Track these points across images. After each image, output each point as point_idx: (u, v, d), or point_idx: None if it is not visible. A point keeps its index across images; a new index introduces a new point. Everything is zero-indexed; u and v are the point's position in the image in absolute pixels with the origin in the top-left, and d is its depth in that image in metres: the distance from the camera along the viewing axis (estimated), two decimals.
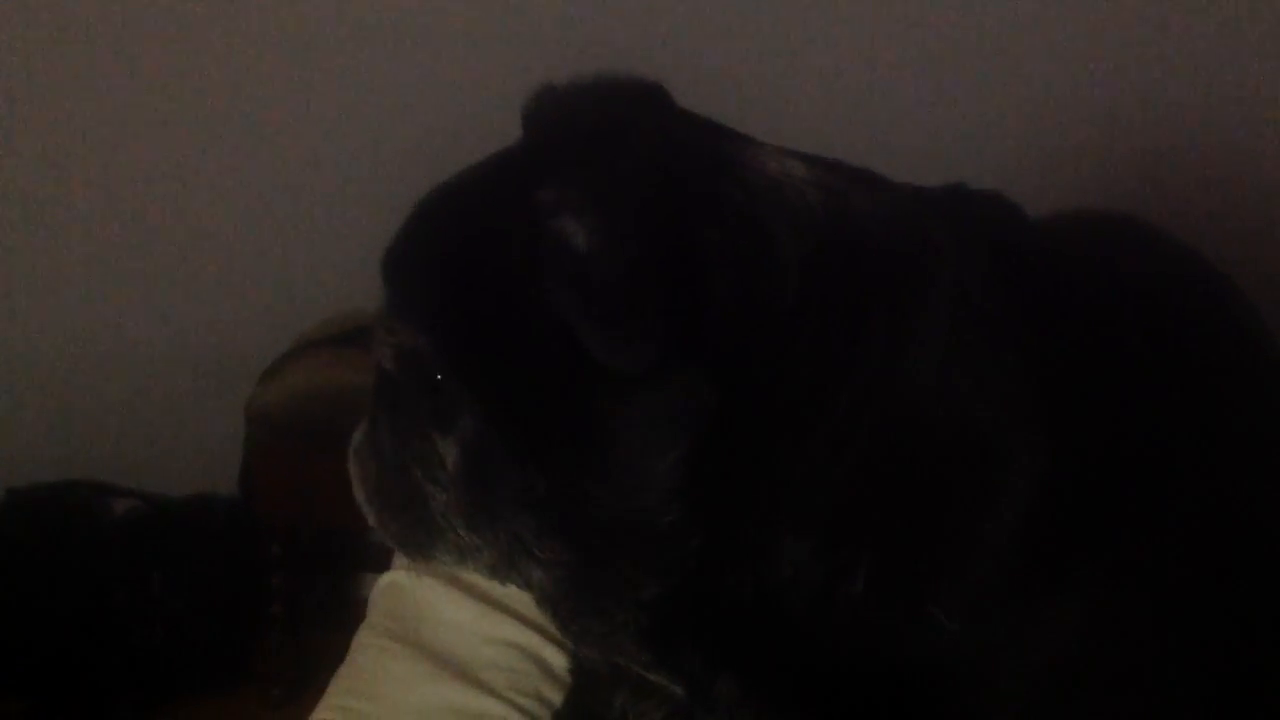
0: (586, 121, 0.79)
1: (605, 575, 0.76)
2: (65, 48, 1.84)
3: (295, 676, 1.89)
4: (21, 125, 1.90)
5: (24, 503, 1.97)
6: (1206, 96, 1.69)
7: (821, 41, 1.75)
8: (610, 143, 0.75)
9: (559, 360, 0.71)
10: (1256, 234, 1.64)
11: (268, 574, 1.89)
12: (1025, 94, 1.72)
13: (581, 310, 0.70)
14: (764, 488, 0.73)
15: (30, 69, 1.85)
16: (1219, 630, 0.82)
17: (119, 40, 1.83)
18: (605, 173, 0.72)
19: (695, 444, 0.72)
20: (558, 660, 1.05)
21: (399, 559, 1.18)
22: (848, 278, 0.74)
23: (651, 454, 0.72)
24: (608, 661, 0.86)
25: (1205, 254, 1.02)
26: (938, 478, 0.74)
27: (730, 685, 0.78)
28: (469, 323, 0.76)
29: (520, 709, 1.05)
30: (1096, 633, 0.77)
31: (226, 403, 1.85)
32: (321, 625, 1.93)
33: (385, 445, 0.83)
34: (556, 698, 1.03)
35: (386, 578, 1.19)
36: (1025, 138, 1.72)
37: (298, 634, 1.92)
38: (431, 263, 0.78)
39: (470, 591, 1.11)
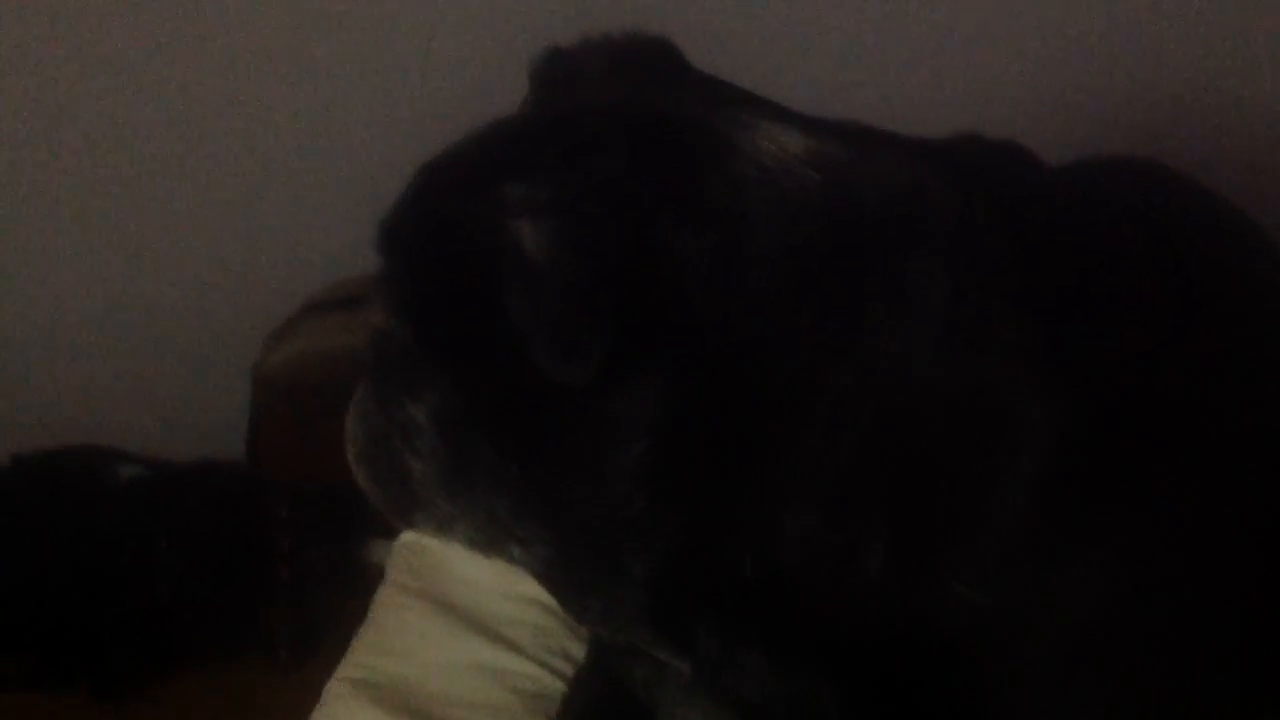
0: (583, 99, 0.80)
1: (588, 555, 0.77)
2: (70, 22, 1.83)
3: (301, 640, 1.89)
4: (24, 93, 1.89)
5: (30, 468, 1.98)
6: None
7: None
8: (594, 137, 0.74)
9: (515, 353, 0.71)
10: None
11: (274, 538, 1.89)
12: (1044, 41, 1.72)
13: (529, 318, 0.70)
14: (754, 470, 0.73)
15: (36, 40, 1.84)
16: (1252, 580, 0.81)
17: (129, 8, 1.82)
18: (577, 177, 0.71)
19: (660, 439, 0.72)
20: None
21: None
22: (842, 258, 0.74)
23: (612, 448, 0.72)
24: (616, 639, 0.86)
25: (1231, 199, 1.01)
26: (949, 447, 0.74)
27: (759, 658, 0.78)
28: (436, 300, 0.76)
29: (548, 666, 1.05)
30: (1125, 589, 0.77)
31: (234, 367, 1.84)
32: (328, 589, 1.94)
33: (372, 410, 0.83)
34: (583, 654, 1.03)
35: (406, 536, 1.19)
36: (1041, 88, 1.71)
37: (304, 598, 1.92)
38: (410, 236, 0.78)
39: None
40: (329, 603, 1.89)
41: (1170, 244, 0.88)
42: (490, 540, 0.81)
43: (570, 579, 0.80)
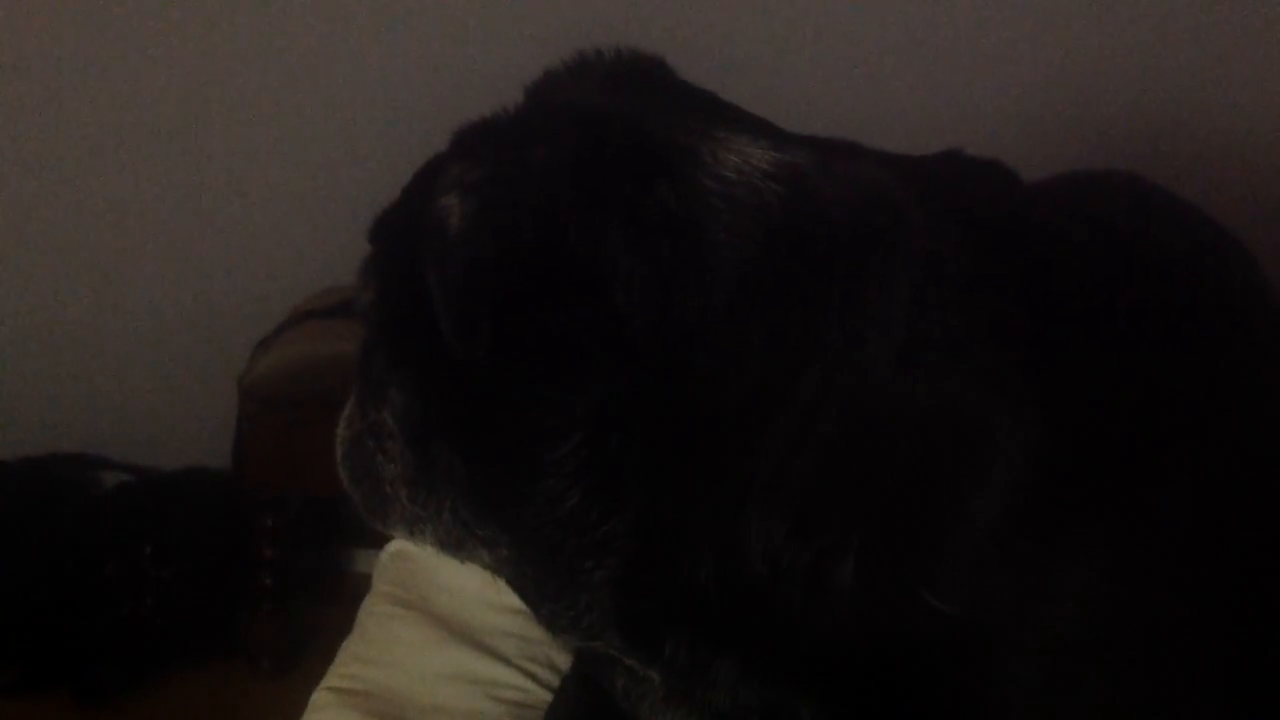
0: (549, 105, 0.80)
1: (548, 557, 0.77)
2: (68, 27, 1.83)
3: (284, 648, 1.89)
4: (16, 102, 1.89)
5: (14, 476, 1.98)
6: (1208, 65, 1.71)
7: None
8: (542, 131, 0.75)
9: (440, 337, 0.72)
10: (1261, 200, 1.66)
11: (258, 546, 1.89)
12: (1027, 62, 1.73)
13: (436, 290, 0.71)
14: (707, 480, 0.73)
15: (32, 46, 1.84)
16: (1232, 591, 0.82)
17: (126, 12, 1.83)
18: (512, 163, 0.72)
19: (591, 436, 0.72)
20: None
21: None
22: (801, 270, 0.73)
23: (543, 442, 0.73)
24: (590, 646, 0.86)
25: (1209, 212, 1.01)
26: (917, 458, 0.74)
27: (729, 668, 0.78)
28: (391, 293, 0.78)
29: (533, 676, 1.06)
30: (1106, 603, 0.77)
31: (220, 375, 1.85)
32: (311, 598, 1.94)
33: (355, 413, 0.84)
34: (568, 665, 1.04)
35: (393, 546, 1.20)
36: (1024, 103, 1.72)
37: (287, 606, 1.92)
38: (380, 230, 0.80)
39: None
40: (312, 612, 1.90)
41: (1147, 259, 0.88)
42: (458, 543, 0.82)
43: (535, 582, 0.80)
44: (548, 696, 1.04)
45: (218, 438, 1.89)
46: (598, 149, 0.73)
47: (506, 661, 1.07)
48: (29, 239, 1.98)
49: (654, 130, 0.76)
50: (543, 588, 0.80)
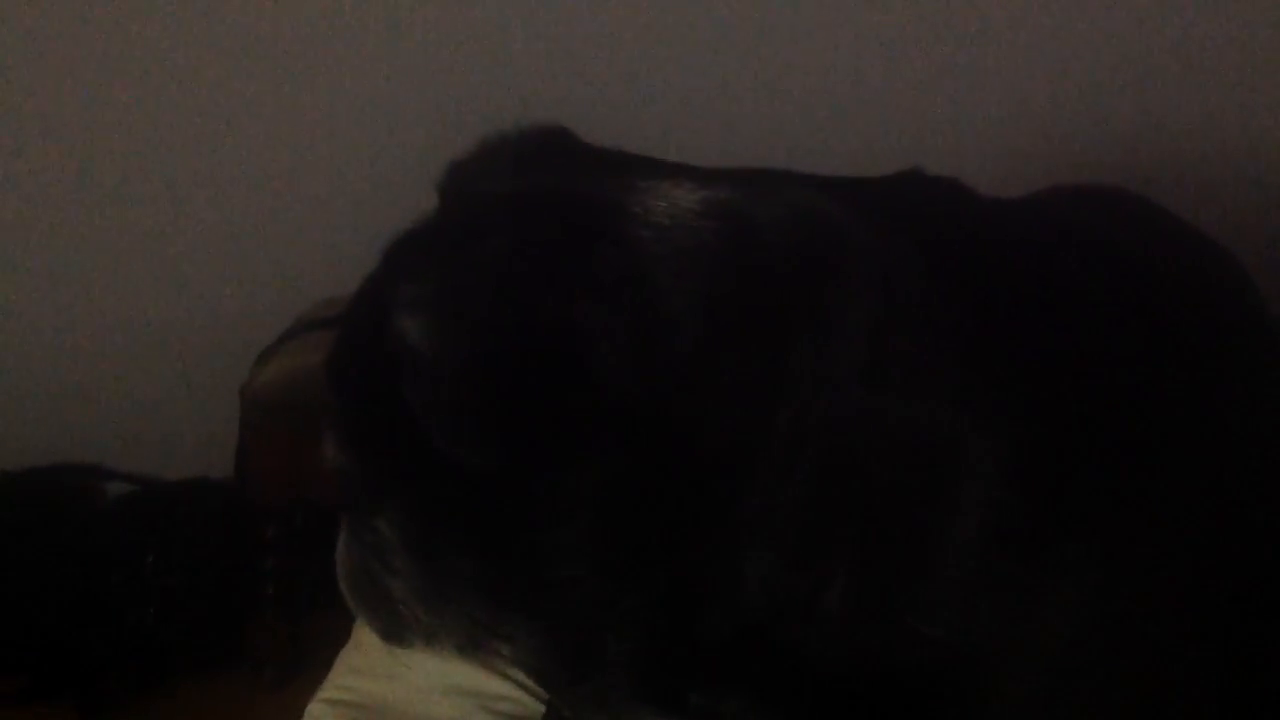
0: (463, 198, 0.80)
1: (568, 641, 0.77)
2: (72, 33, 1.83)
3: (288, 658, 1.89)
4: (18, 108, 1.89)
5: (18, 486, 1.97)
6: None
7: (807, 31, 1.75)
8: (476, 228, 0.75)
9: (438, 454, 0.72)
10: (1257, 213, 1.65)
11: (262, 556, 1.88)
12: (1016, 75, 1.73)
13: (425, 413, 0.70)
14: (708, 527, 0.72)
15: (34, 51, 1.85)
16: (1227, 604, 0.81)
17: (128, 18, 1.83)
18: (459, 268, 0.72)
19: (599, 513, 0.72)
20: None
21: None
22: (754, 305, 0.73)
23: (551, 528, 0.72)
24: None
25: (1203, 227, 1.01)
26: (891, 480, 0.73)
27: (733, 704, 0.78)
28: (367, 423, 0.77)
29: (527, 689, 1.05)
30: (1097, 621, 0.76)
31: (223, 384, 1.84)
32: (315, 608, 1.93)
33: (351, 539, 0.84)
34: None
35: None
36: (1017, 119, 1.72)
37: (291, 616, 1.92)
38: (337, 364, 0.80)
39: None
40: (315, 622, 1.89)
41: (1131, 273, 0.87)
42: (476, 644, 0.82)
43: (560, 668, 0.80)
44: (540, 709, 1.04)
45: (220, 448, 1.89)
46: (536, 227, 0.73)
47: (501, 674, 1.07)
48: (30, 249, 1.98)
49: (582, 197, 0.75)
50: (567, 673, 0.80)
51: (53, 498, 1.96)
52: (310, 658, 1.85)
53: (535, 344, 0.70)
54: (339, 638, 1.20)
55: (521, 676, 1.05)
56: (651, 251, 0.72)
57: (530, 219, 0.74)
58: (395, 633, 0.85)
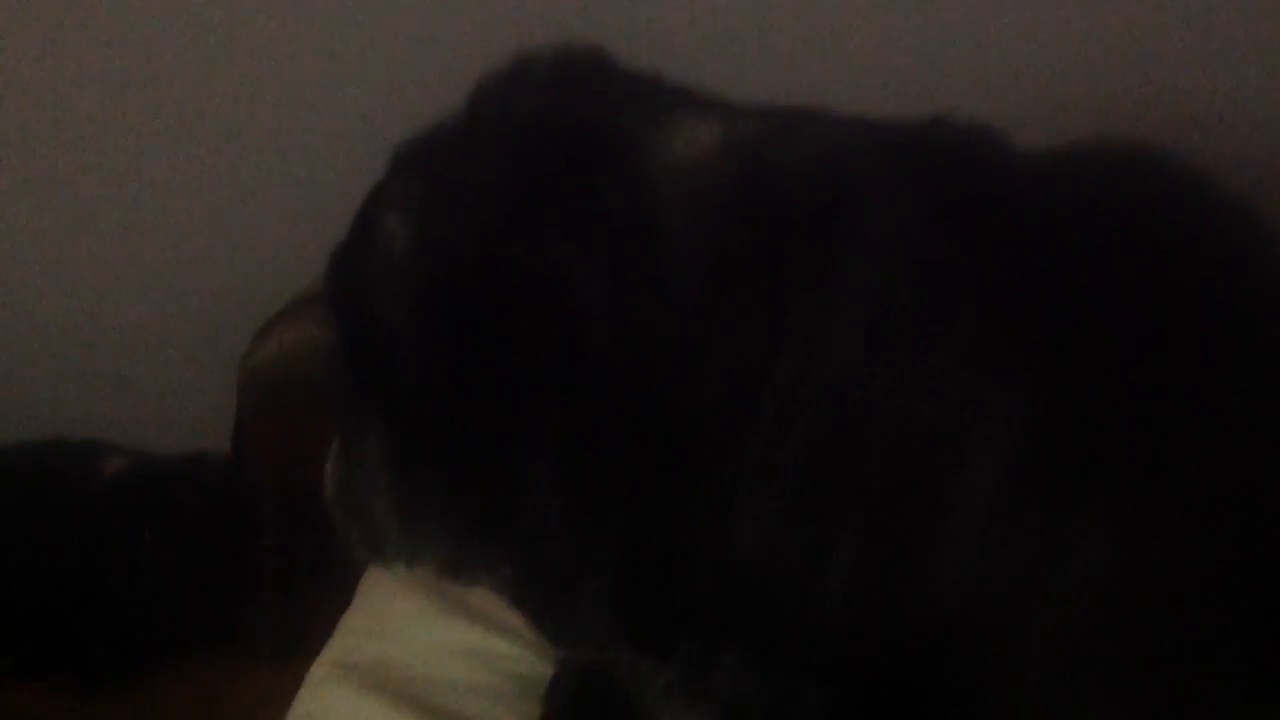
0: (485, 113, 0.79)
1: (546, 572, 0.76)
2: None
3: (286, 635, 1.88)
4: (17, 90, 1.88)
5: (13, 461, 1.96)
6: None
7: None
8: (477, 142, 0.74)
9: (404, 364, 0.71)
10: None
11: (260, 532, 1.88)
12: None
13: (390, 313, 0.70)
14: (694, 481, 0.71)
15: (39, 32, 1.84)
16: (1249, 571, 0.79)
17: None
18: (447, 176, 0.71)
19: (565, 450, 0.70)
20: None
21: None
22: (762, 255, 0.71)
23: (518, 460, 0.71)
24: (601, 657, 0.86)
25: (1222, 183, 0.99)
26: (900, 437, 0.72)
27: (732, 659, 0.77)
28: (352, 326, 0.77)
29: (536, 649, 1.05)
30: (1115, 577, 0.75)
31: (221, 360, 1.84)
32: (313, 584, 1.92)
33: (339, 453, 0.84)
34: None
35: None
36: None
37: (289, 592, 1.91)
38: (335, 265, 0.79)
39: None
40: (314, 598, 1.88)
41: (1151, 232, 0.85)
42: (457, 568, 0.81)
43: (539, 599, 0.79)
44: (550, 670, 1.03)
45: (218, 423, 1.88)
46: (535, 152, 0.72)
47: (509, 634, 1.06)
48: (25, 225, 1.97)
49: (593, 124, 0.74)
50: (545, 605, 0.79)
51: (49, 473, 1.95)
52: (309, 634, 1.84)
53: (508, 271, 0.69)
54: (337, 614, 1.20)
55: (533, 636, 1.05)
56: (661, 190, 0.71)
57: (532, 143, 0.73)
58: (376, 549, 0.84)
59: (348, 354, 0.78)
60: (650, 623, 0.76)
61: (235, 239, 1.96)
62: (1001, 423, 0.72)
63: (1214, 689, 0.78)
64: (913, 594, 0.73)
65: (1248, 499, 0.79)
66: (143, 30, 1.85)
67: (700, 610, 0.75)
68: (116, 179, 1.94)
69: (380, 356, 0.73)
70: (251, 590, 1.91)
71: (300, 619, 1.87)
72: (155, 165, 1.93)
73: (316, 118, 1.88)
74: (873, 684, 0.76)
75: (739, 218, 0.71)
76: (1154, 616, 0.76)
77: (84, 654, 1.85)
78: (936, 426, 0.72)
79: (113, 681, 1.84)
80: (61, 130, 1.92)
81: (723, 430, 0.71)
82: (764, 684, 0.77)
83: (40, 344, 2.04)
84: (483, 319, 0.69)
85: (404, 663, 1.06)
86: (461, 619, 1.08)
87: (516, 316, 0.69)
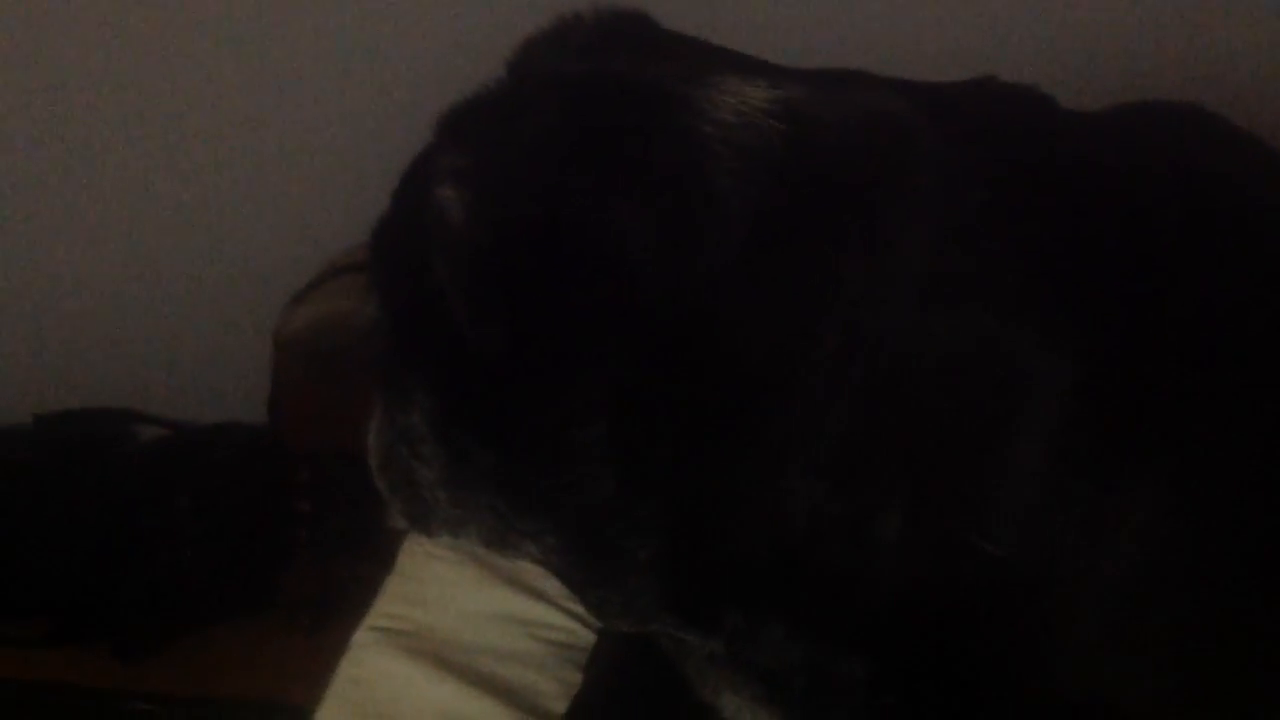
0: (530, 74, 0.78)
1: (591, 543, 0.75)
2: None
3: (321, 602, 1.89)
4: (62, 65, 1.89)
5: (51, 429, 1.98)
6: None
7: None
8: (524, 105, 0.73)
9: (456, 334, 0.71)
10: None
11: (295, 500, 1.89)
12: None
13: (447, 285, 0.69)
14: (742, 447, 0.70)
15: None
16: None
17: None
18: (498, 143, 0.71)
19: (616, 419, 0.70)
20: None
21: None
22: (812, 214, 0.70)
23: (569, 429, 0.71)
24: (645, 629, 0.85)
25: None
26: (952, 400, 0.71)
27: (777, 629, 0.76)
28: (398, 297, 0.76)
29: (577, 616, 1.05)
30: (1167, 543, 0.74)
31: (256, 328, 1.84)
32: (349, 552, 1.93)
33: (383, 420, 0.83)
34: None
35: None
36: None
37: (324, 560, 1.92)
38: (379, 237, 0.79)
39: None
40: (349, 565, 1.89)
41: (1210, 193, 0.84)
42: (502, 539, 0.81)
43: (583, 570, 0.79)
44: (592, 637, 1.03)
45: (253, 392, 1.89)
46: (586, 113, 0.71)
47: (550, 602, 1.07)
48: (64, 193, 1.97)
49: (642, 84, 0.73)
50: (590, 575, 0.78)
51: (87, 442, 1.96)
52: (344, 601, 1.84)
53: (563, 232, 0.68)
54: (374, 581, 1.20)
55: (572, 604, 1.05)
56: (712, 148, 0.70)
57: (581, 103, 0.72)
58: (422, 521, 0.84)
59: (394, 325, 0.78)
60: (696, 593, 0.76)
61: (267, 209, 1.97)
62: (1052, 385, 0.71)
63: (1265, 652, 0.78)
64: (960, 563, 0.72)
65: None
66: (178, 14, 1.86)
67: (747, 580, 0.74)
68: (152, 151, 1.94)
69: (431, 327, 0.73)
70: (287, 558, 1.92)
71: (336, 588, 1.88)
72: (190, 139, 1.93)
73: (350, 90, 1.88)
74: (918, 654, 0.75)
75: (789, 178, 0.70)
76: (1206, 580, 0.76)
77: (120, 621, 1.86)
78: (987, 389, 0.71)
79: (147, 649, 1.85)
80: (97, 103, 1.92)
81: (771, 394, 0.70)
82: (808, 654, 0.77)
83: (77, 313, 2.05)
84: (541, 283, 0.68)
85: (446, 629, 1.06)
86: (503, 586, 1.08)
87: (574, 279, 0.68)
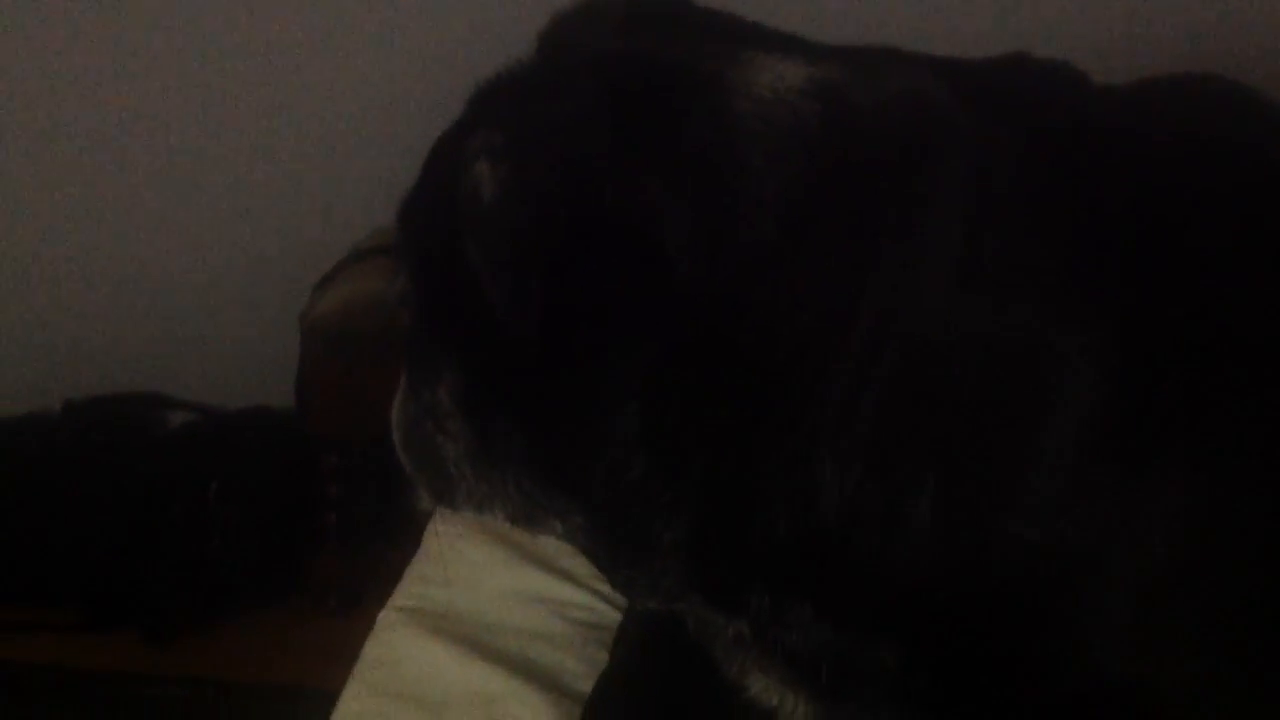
0: (561, 52, 0.78)
1: (618, 523, 0.74)
2: None
3: (350, 586, 1.89)
4: (92, 55, 1.89)
5: (81, 415, 1.99)
6: None
7: None
8: (559, 83, 0.72)
9: (488, 313, 0.70)
10: None
11: (323, 485, 1.89)
12: None
13: (480, 264, 0.69)
14: (773, 430, 0.69)
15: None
16: None
17: None
18: (533, 121, 0.70)
19: (649, 402, 0.69)
20: None
21: None
22: (847, 195, 0.69)
23: (602, 411, 0.70)
24: (671, 608, 0.85)
25: None
26: (986, 384, 0.70)
27: (806, 614, 0.75)
28: (428, 274, 0.75)
29: (603, 596, 1.04)
30: (1198, 530, 0.73)
31: (284, 313, 1.84)
32: (377, 536, 1.93)
33: (408, 396, 0.83)
34: None
35: None
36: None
37: (352, 544, 1.92)
38: (407, 213, 0.78)
39: None
40: (377, 550, 1.89)
41: (1244, 171, 0.83)
42: (528, 516, 0.80)
43: (610, 550, 0.78)
44: (618, 617, 1.03)
45: (281, 377, 1.89)
46: (620, 92, 0.70)
47: (576, 582, 1.06)
48: (93, 178, 1.98)
49: (677, 62, 0.72)
50: (617, 555, 0.78)
51: (116, 427, 1.97)
52: (373, 585, 1.84)
53: (600, 214, 0.67)
54: (401, 566, 1.20)
55: (598, 584, 1.04)
56: (748, 126, 0.69)
57: (616, 80, 0.71)
58: (446, 496, 0.84)
59: (423, 302, 0.77)
60: (724, 575, 0.75)
61: (294, 193, 1.96)
62: (1085, 370, 0.70)
63: None
64: (991, 547, 0.72)
65: None
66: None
67: (776, 563, 0.73)
68: (181, 137, 1.94)
69: (461, 304, 0.72)
70: (315, 542, 1.92)
71: (365, 572, 1.89)
72: (216, 126, 1.94)
73: (373, 75, 1.88)
74: (949, 637, 0.75)
75: (824, 158, 0.69)
76: (1237, 565, 0.75)
77: (149, 606, 1.87)
78: (1020, 374, 0.71)
79: (177, 633, 1.86)
80: (125, 91, 1.93)
81: (805, 375, 0.69)
82: (836, 637, 0.76)
83: (105, 302, 2.05)
84: (576, 262, 0.67)
85: (472, 608, 1.05)
86: (529, 566, 1.07)
87: (609, 258, 0.67)
